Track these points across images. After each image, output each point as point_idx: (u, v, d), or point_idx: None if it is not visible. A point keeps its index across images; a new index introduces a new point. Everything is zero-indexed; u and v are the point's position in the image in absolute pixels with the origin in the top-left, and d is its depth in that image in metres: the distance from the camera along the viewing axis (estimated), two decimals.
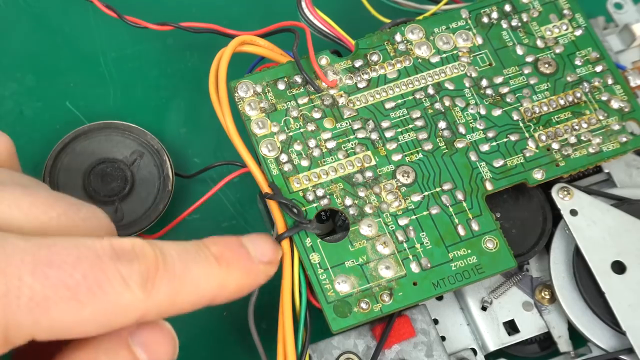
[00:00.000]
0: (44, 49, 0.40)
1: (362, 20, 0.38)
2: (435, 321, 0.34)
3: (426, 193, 0.33)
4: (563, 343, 0.33)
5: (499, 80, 0.35)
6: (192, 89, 0.40)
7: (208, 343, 0.35)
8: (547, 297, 0.34)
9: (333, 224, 0.34)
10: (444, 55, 0.35)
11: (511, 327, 0.34)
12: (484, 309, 0.34)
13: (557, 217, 0.34)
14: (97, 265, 0.24)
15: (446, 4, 0.36)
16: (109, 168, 0.37)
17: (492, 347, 0.33)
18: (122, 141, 0.37)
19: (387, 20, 0.37)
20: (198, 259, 0.26)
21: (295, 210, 0.31)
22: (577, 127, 0.34)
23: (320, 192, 0.32)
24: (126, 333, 0.26)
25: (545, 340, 0.34)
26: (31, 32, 0.41)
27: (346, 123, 0.34)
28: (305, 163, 0.33)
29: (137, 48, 0.41)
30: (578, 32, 0.36)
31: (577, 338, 0.34)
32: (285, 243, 0.32)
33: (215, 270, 0.27)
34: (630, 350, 0.32)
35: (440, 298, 0.34)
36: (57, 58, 0.40)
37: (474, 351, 0.34)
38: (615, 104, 0.35)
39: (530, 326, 0.34)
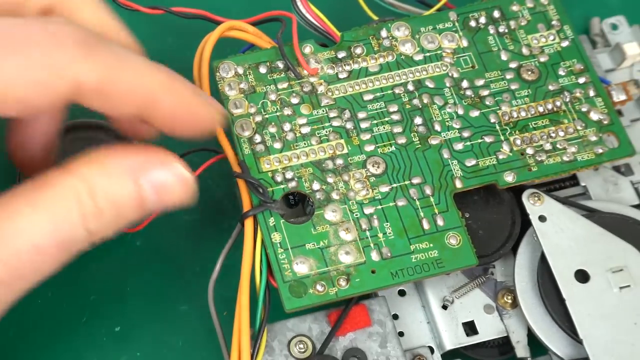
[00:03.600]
0: None
1: (358, 20, 0.38)
2: (395, 316, 0.34)
3: (395, 185, 0.33)
4: (521, 348, 0.33)
5: (480, 82, 0.35)
6: None
7: (208, 343, 0.35)
8: (510, 301, 0.34)
9: (303, 209, 0.34)
10: (428, 54, 0.35)
11: (470, 328, 0.34)
12: (444, 307, 0.34)
13: (526, 222, 0.34)
14: (20, 24, 0.24)
15: (438, 9, 0.37)
16: None
17: (449, 346, 0.33)
18: (94, 137, 0.36)
19: None
20: (133, 55, 0.26)
21: (260, 190, 0.32)
22: (553, 135, 0.34)
23: (289, 175, 0.33)
24: (138, 169, 0.26)
25: (505, 345, 0.34)
26: None
27: (323, 110, 0.34)
28: (277, 145, 0.33)
29: None
30: (565, 44, 0.36)
31: (536, 345, 0.33)
32: (249, 222, 0.32)
33: (155, 70, 0.26)
34: None
35: (402, 294, 0.34)
36: None
37: (431, 349, 0.33)
38: (594, 116, 0.35)
39: (489, 329, 0.33)
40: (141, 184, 0.27)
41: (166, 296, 0.36)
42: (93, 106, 0.26)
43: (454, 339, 0.33)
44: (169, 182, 0.27)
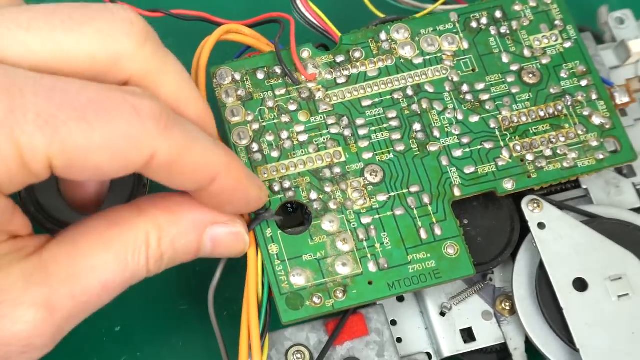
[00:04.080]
0: None
1: (358, 18, 0.38)
2: (394, 322, 0.34)
3: (392, 194, 0.33)
4: (518, 356, 0.33)
5: (480, 86, 0.34)
6: None
7: (208, 343, 0.36)
8: (508, 308, 0.34)
9: (302, 216, 0.34)
10: (428, 57, 0.35)
11: (468, 335, 0.34)
12: (442, 314, 0.34)
13: (526, 229, 0.34)
14: (104, 92, 0.24)
15: (444, 3, 0.36)
16: None
17: (447, 352, 0.33)
18: None
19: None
20: (203, 134, 0.27)
21: None
22: (554, 140, 0.34)
23: (286, 184, 0.32)
24: (205, 224, 0.28)
25: (503, 352, 0.34)
26: None
27: (321, 117, 0.34)
28: (275, 154, 0.33)
29: None
30: (567, 44, 0.35)
31: (533, 353, 0.33)
32: (252, 237, 0.32)
33: (221, 150, 0.27)
34: None
35: (401, 300, 0.34)
36: None
37: (429, 355, 0.34)
38: (596, 120, 0.34)
39: (487, 336, 0.34)
40: (203, 237, 0.29)
41: (166, 296, 0.36)
42: (156, 178, 0.26)
43: (451, 345, 0.33)
44: (227, 238, 0.29)
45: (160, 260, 0.28)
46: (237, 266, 0.32)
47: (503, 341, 0.34)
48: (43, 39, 0.25)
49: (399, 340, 0.34)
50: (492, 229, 0.34)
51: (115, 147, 0.24)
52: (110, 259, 0.27)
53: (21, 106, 0.23)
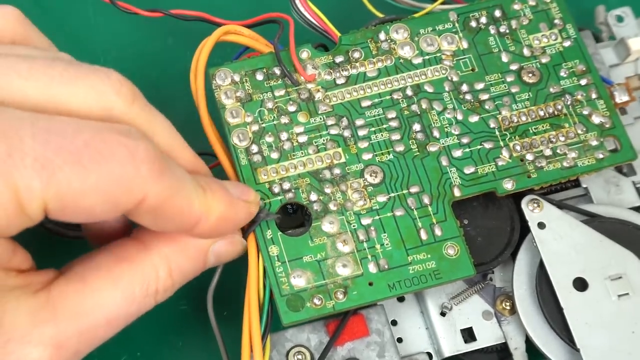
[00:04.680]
0: None
1: (358, 18, 0.38)
2: (394, 322, 0.34)
3: (392, 194, 0.33)
4: (519, 355, 0.33)
5: (479, 86, 0.34)
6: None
7: (208, 343, 0.35)
8: (508, 308, 0.34)
9: (302, 217, 0.34)
10: (427, 57, 0.35)
11: (469, 334, 0.34)
12: (442, 314, 0.34)
13: (526, 228, 0.34)
14: (99, 135, 0.25)
15: (443, 3, 0.36)
16: None
17: (447, 352, 0.33)
18: None
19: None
20: (191, 179, 0.27)
21: None
22: (554, 140, 0.34)
23: (286, 186, 0.32)
24: (209, 244, 0.29)
25: (503, 351, 0.34)
26: None
27: (320, 118, 0.34)
28: (275, 155, 0.33)
29: (137, 48, 0.41)
30: (567, 43, 0.35)
31: (534, 352, 0.33)
32: (251, 239, 0.32)
33: (201, 193, 0.27)
34: None
35: (401, 300, 0.35)
36: None
37: (430, 355, 0.34)
38: (596, 119, 0.34)
39: (487, 335, 0.34)
40: (209, 256, 0.30)
41: None
42: (140, 221, 0.27)
43: (452, 345, 0.34)
44: (227, 247, 0.30)
45: (172, 287, 0.29)
46: (236, 266, 0.32)
47: (503, 341, 0.34)
48: (41, 89, 0.26)
49: (400, 340, 0.34)
50: (492, 229, 0.34)
51: (109, 190, 0.25)
52: (118, 295, 0.27)
53: (19, 150, 0.23)
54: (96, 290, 0.27)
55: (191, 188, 0.27)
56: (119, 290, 0.27)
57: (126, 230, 0.31)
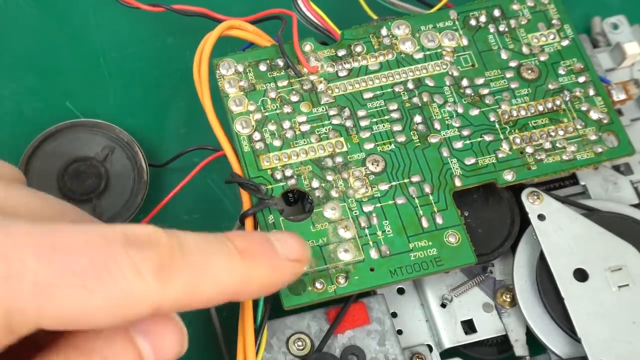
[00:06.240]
0: (44, 48, 0.40)
1: (358, 19, 0.38)
2: (394, 314, 0.34)
3: (394, 183, 0.33)
4: (519, 347, 0.33)
5: (479, 81, 0.35)
6: (193, 89, 0.40)
7: (208, 343, 0.35)
8: (508, 300, 0.34)
9: (302, 207, 0.34)
10: (428, 52, 0.35)
11: (469, 326, 0.34)
12: (443, 306, 0.34)
13: (526, 221, 0.34)
14: (106, 251, 0.23)
15: (440, 9, 0.37)
16: (82, 166, 0.36)
17: (448, 344, 0.33)
18: (92, 138, 0.37)
19: None
20: (219, 251, 0.25)
21: (253, 187, 0.32)
22: (553, 134, 0.34)
23: (288, 172, 0.33)
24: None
25: (503, 344, 0.34)
26: (31, 32, 0.41)
27: (322, 109, 0.34)
28: (277, 143, 0.33)
29: (137, 48, 0.41)
30: (565, 43, 0.36)
31: (534, 344, 0.33)
32: (249, 221, 0.32)
33: (238, 263, 0.25)
34: (584, 359, 0.31)
35: (401, 292, 0.34)
36: (57, 58, 0.40)
37: (430, 347, 0.33)
38: (594, 115, 0.35)
39: (488, 327, 0.34)
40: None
41: None
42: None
43: (452, 337, 0.33)
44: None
45: None
46: None
47: (504, 333, 0.33)
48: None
49: (400, 332, 0.34)
50: (492, 221, 0.34)
51: (114, 307, 0.23)
52: None
53: (18, 273, 0.22)
54: None
55: (220, 265, 0.25)
56: None
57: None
